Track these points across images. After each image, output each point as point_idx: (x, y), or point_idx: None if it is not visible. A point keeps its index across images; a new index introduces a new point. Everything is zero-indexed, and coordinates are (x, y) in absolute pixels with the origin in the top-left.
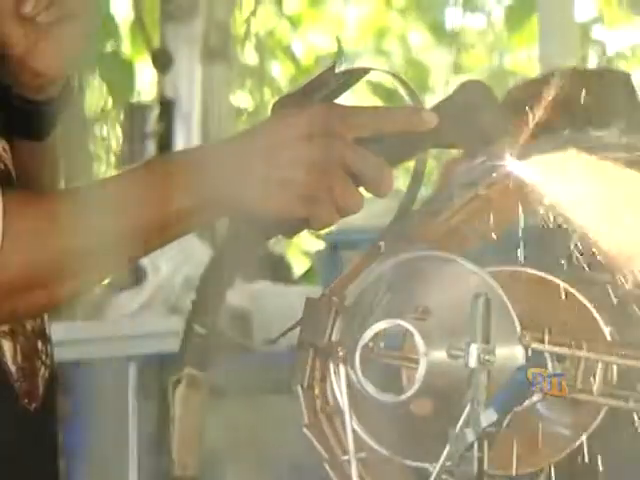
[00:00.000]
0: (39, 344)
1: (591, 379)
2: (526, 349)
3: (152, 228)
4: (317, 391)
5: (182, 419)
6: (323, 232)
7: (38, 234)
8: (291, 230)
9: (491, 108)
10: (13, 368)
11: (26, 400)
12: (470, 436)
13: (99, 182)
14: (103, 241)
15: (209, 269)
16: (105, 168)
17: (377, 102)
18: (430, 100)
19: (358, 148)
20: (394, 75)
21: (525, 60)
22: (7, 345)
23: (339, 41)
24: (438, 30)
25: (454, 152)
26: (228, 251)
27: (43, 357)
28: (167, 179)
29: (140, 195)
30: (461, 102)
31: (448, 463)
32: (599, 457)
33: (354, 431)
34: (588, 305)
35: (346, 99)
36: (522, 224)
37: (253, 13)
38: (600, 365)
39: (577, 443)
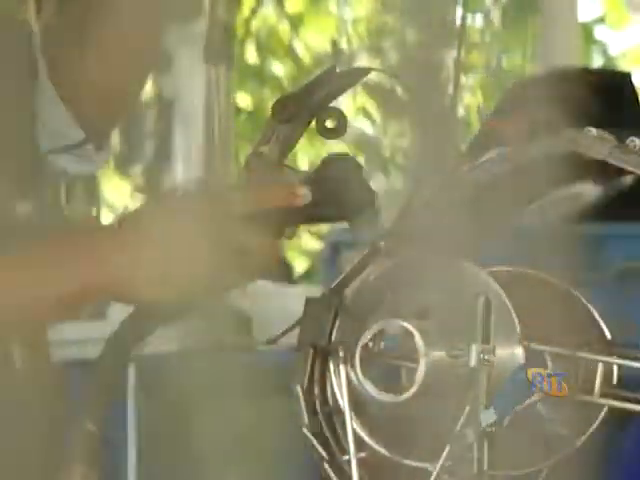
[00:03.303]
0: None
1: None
2: (526, 349)
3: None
4: (317, 391)
5: None
6: (323, 232)
7: None
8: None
9: (357, 180)
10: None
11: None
12: (470, 436)
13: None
14: None
15: (101, 362)
16: (105, 168)
17: (372, 103)
18: None
19: (244, 224)
20: (394, 75)
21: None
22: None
23: (336, 42)
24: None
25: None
26: (124, 337)
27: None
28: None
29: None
30: (327, 178)
31: (448, 463)
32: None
33: (354, 431)
34: (589, 306)
35: (345, 100)
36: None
37: (254, 13)
38: (600, 366)
39: (578, 444)
